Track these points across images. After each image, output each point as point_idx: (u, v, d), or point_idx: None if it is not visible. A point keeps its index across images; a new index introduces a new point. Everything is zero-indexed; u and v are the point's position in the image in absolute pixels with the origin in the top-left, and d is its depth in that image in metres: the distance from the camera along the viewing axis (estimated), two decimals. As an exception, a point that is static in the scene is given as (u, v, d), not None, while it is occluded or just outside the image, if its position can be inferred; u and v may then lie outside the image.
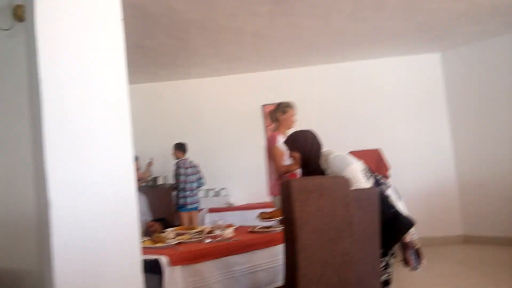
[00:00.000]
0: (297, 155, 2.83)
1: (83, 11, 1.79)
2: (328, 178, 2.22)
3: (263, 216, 2.83)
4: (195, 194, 5.92)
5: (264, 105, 6.63)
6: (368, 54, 6.24)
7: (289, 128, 3.85)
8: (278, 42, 5.32)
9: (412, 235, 2.75)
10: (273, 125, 3.97)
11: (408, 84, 6.49)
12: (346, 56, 6.27)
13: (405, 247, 2.81)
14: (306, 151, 2.79)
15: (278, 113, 3.89)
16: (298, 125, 3.87)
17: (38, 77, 1.68)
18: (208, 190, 6.58)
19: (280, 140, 3.62)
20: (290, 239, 1.67)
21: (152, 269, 2.05)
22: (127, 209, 1.88)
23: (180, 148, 5.94)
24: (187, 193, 5.80)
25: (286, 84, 6.62)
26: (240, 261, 2.34)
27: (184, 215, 5.78)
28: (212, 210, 6.15)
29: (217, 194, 6.62)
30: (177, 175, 5.80)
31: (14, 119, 2.18)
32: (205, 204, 6.23)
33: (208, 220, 6.07)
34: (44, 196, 1.70)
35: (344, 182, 1.86)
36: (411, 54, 6.37)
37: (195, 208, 5.87)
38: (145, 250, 2.04)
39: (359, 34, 5.29)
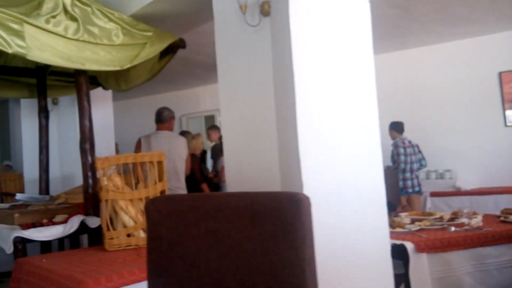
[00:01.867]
0: None
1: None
2: None
3: (507, 212, 2.64)
4: (416, 176, 5.80)
5: (501, 73, 6.00)
6: None
7: None
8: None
9: None
10: None
11: None
12: None
13: None
14: None
15: None
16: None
17: (292, 68, 1.94)
18: (429, 172, 6.37)
19: None
20: None
21: (395, 254, 2.16)
22: (376, 193, 2.02)
23: (397, 127, 5.87)
24: (407, 174, 5.71)
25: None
26: (494, 253, 2.27)
27: (403, 199, 5.72)
28: (434, 194, 5.97)
29: (440, 176, 6.36)
30: (396, 154, 5.75)
31: (261, 107, 2.55)
32: (426, 187, 6.04)
33: (430, 205, 5.90)
34: (297, 178, 1.97)
35: None
36: None
37: (417, 192, 5.75)
38: (387, 234, 2.15)
39: None
